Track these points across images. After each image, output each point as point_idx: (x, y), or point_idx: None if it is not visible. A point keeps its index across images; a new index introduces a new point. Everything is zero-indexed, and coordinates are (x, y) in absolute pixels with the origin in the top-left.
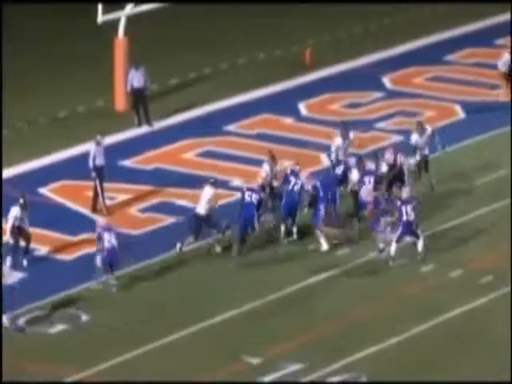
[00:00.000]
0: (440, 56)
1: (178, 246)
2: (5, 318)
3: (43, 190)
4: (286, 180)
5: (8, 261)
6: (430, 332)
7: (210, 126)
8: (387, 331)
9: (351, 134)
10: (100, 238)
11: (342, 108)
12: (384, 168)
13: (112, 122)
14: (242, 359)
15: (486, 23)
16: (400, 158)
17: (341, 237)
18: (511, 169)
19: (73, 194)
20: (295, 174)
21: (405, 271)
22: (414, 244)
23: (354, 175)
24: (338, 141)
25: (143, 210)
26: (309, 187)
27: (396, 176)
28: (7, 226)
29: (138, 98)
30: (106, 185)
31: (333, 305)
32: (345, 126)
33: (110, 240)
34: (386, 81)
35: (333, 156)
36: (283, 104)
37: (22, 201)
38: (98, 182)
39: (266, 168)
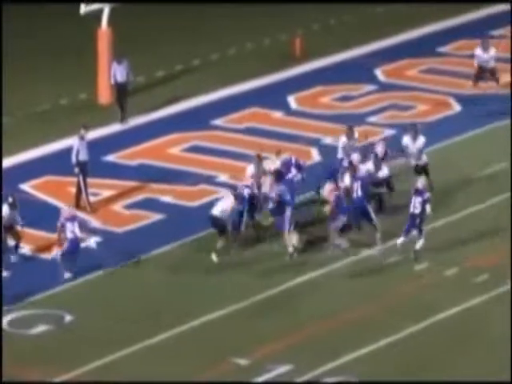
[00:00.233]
0: (434, 48)
1: (214, 257)
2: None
3: (25, 186)
4: (288, 169)
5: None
6: (424, 331)
7: (196, 119)
8: (381, 331)
9: (356, 134)
10: (63, 230)
11: (333, 101)
12: (385, 171)
13: (95, 116)
14: (230, 360)
15: (481, 14)
16: (391, 152)
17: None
18: (511, 164)
19: (55, 190)
20: (299, 166)
21: (399, 269)
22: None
23: (346, 180)
24: (343, 140)
25: (128, 207)
26: (273, 195)
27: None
28: None
29: (121, 93)
30: (89, 180)
31: (324, 305)
32: (350, 127)
33: (72, 230)
34: (379, 73)
35: (339, 155)
36: (272, 97)
37: (10, 199)
38: (81, 178)
39: (251, 169)
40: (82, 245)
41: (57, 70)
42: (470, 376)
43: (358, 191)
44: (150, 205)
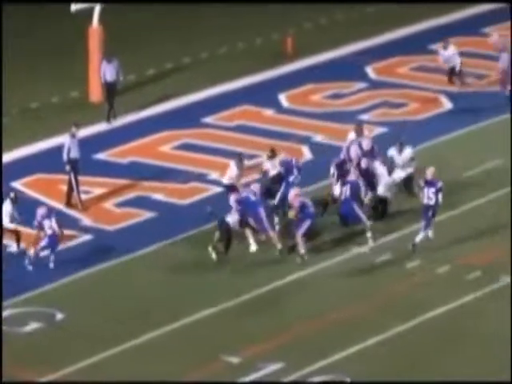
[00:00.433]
0: (425, 45)
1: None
2: None
3: (16, 184)
4: (289, 171)
5: None
6: (415, 330)
7: (187, 117)
8: (371, 330)
9: (366, 131)
10: (41, 227)
11: (324, 99)
12: (399, 174)
13: (86, 114)
14: (221, 359)
15: (471, 12)
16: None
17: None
18: (511, 161)
19: (46, 187)
20: (298, 168)
21: (390, 268)
22: None
23: (336, 190)
24: (351, 137)
25: (119, 205)
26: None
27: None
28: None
29: (110, 92)
30: (80, 178)
31: (315, 303)
32: (359, 125)
33: (50, 226)
34: (370, 71)
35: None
36: (263, 95)
37: (12, 194)
38: (72, 176)
39: (233, 168)
40: (77, 241)
41: (48, 69)
42: (462, 375)
43: (346, 193)
44: (141, 203)
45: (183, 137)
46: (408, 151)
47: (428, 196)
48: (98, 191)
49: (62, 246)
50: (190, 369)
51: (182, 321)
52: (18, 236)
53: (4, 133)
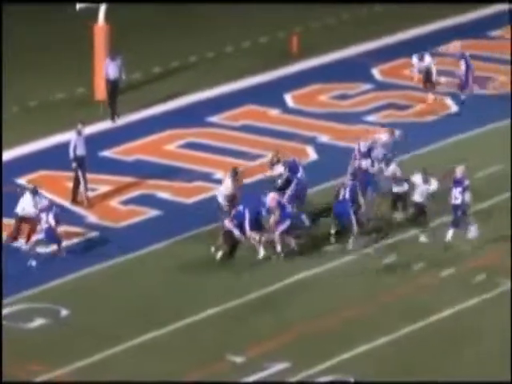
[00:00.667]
0: (432, 47)
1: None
2: None
3: (21, 181)
4: (296, 168)
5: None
6: (420, 332)
7: (192, 116)
8: (378, 330)
9: (397, 132)
10: (39, 220)
11: (330, 99)
12: (434, 185)
13: (91, 111)
14: (226, 358)
15: (478, 14)
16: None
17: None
18: (511, 164)
19: (52, 184)
20: (302, 166)
21: (395, 270)
22: None
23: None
24: (383, 138)
25: (124, 203)
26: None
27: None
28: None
29: (112, 90)
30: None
31: (320, 303)
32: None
33: (46, 220)
34: (376, 72)
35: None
36: (269, 95)
37: (31, 186)
38: (80, 173)
39: (227, 182)
40: (82, 238)
41: (54, 66)
42: (466, 376)
43: (345, 195)
44: (146, 201)
45: (188, 136)
46: (434, 184)
47: (455, 196)
48: (103, 189)
49: (67, 243)
50: (195, 368)
51: (186, 319)
52: (30, 230)
53: (9, 129)
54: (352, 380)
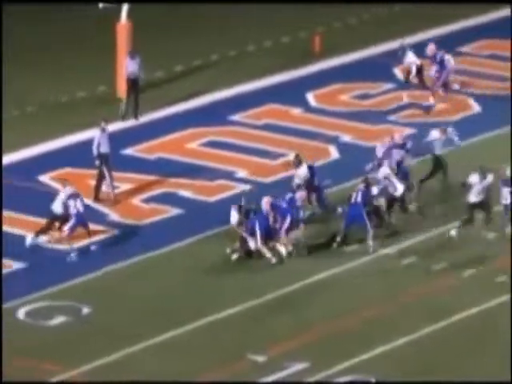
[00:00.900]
0: (454, 47)
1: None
2: None
3: (43, 178)
4: (314, 173)
5: None
6: (441, 332)
7: (214, 115)
8: (398, 330)
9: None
10: (66, 208)
11: (351, 99)
12: (490, 178)
13: (114, 109)
14: (247, 357)
15: (502, 14)
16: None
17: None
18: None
19: (74, 182)
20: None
21: (415, 270)
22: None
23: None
24: (438, 135)
25: (146, 201)
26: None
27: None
28: None
29: (131, 89)
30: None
31: (340, 303)
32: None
33: (75, 206)
34: (398, 71)
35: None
36: (291, 94)
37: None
38: (105, 170)
39: (234, 215)
40: (104, 236)
41: (76, 64)
42: (486, 377)
43: (357, 198)
44: (168, 199)
45: (210, 134)
46: (490, 178)
47: (505, 196)
48: (125, 186)
49: (88, 241)
50: (216, 367)
51: (207, 318)
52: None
53: (33, 126)
54: (373, 380)
